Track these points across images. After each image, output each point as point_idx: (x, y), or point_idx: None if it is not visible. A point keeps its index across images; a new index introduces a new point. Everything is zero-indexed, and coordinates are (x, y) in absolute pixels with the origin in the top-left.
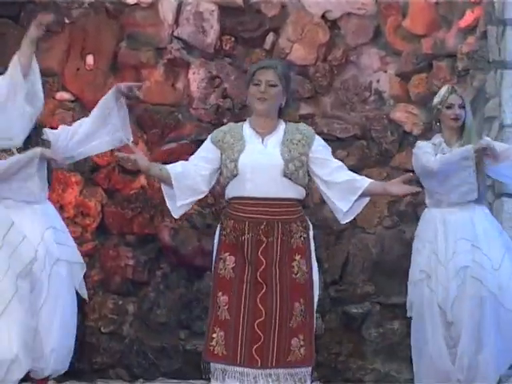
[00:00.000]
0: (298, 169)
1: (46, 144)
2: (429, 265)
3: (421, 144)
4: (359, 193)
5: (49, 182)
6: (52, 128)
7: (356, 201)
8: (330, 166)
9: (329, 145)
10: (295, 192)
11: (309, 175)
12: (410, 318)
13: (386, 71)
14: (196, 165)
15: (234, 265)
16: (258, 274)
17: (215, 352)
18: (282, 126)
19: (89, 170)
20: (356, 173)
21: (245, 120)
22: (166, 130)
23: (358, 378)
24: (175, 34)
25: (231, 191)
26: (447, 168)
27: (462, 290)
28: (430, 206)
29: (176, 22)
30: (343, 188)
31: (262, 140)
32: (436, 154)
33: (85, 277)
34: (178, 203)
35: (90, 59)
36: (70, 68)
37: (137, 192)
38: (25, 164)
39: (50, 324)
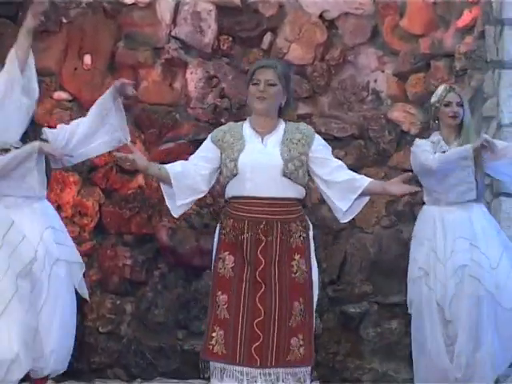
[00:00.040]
0: (297, 168)
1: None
2: (427, 262)
3: (419, 142)
4: (359, 192)
5: (48, 180)
6: (50, 127)
7: (356, 200)
8: (330, 166)
9: None
10: (295, 191)
11: (309, 175)
12: (409, 317)
13: (383, 71)
14: (196, 164)
15: (234, 264)
16: (257, 273)
17: (215, 351)
18: (282, 125)
19: (87, 169)
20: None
21: (244, 119)
22: (163, 129)
23: (355, 377)
24: (173, 33)
25: (231, 190)
26: (446, 167)
27: (460, 288)
28: (429, 204)
29: (174, 21)
30: (343, 187)
31: (262, 139)
32: (435, 152)
33: (83, 276)
34: (178, 202)
35: (87, 59)
36: (68, 68)
37: (134, 192)
38: (24, 159)
39: (49, 324)
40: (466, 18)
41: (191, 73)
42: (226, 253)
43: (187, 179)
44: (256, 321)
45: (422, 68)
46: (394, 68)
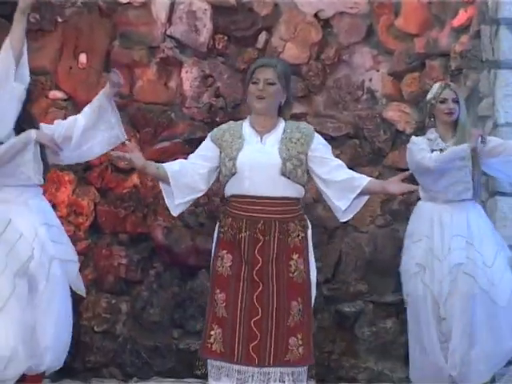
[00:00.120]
0: (296, 167)
1: None
2: (425, 258)
3: (416, 139)
4: (358, 191)
5: (45, 172)
6: None
7: (355, 199)
8: (329, 165)
9: None
10: (293, 191)
11: (308, 174)
12: (404, 316)
13: (378, 70)
14: (194, 163)
15: (231, 263)
16: (255, 272)
17: (213, 349)
18: (281, 124)
19: (82, 168)
20: None
21: (240, 118)
22: (158, 128)
23: (351, 376)
24: (168, 32)
25: (230, 189)
26: (443, 167)
27: (455, 286)
28: (425, 200)
29: (169, 20)
30: (342, 186)
31: (261, 138)
32: (432, 150)
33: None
34: (176, 201)
35: (82, 58)
36: (63, 67)
37: (130, 191)
38: (21, 148)
39: (45, 321)
40: (462, 17)
41: (186, 72)
42: (225, 251)
43: (185, 178)
44: (253, 320)
45: (417, 67)
46: (389, 67)
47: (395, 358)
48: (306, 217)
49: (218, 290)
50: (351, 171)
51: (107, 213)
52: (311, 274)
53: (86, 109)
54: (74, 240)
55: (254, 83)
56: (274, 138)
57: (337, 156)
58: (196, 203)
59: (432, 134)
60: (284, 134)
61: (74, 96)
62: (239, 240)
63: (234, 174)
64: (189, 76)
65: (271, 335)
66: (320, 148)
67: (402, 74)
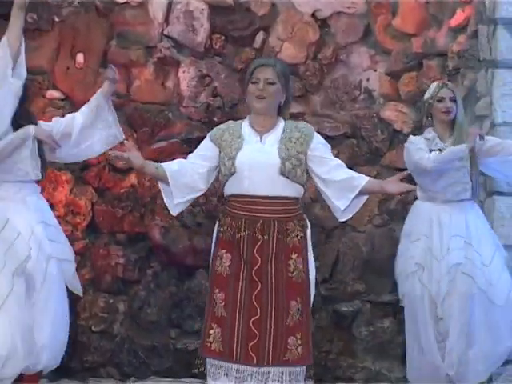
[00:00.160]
0: (295, 167)
1: None
2: (424, 258)
3: (413, 139)
4: (357, 191)
5: (43, 169)
6: None
7: (354, 199)
8: (329, 164)
9: None
10: (292, 190)
11: (307, 173)
12: (401, 316)
13: (375, 70)
14: (193, 163)
15: (230, 262)
16: (254, 271)
17: (212, 348)
18: (281, 123)
19: (79, 168)
20: None
21: (237, 118)
22: (156, 128)
23: (348, 376)
24: (165, 32)
25: (229, 189)
26: (441, 167)
27: (453, 285)
28: (423, 200)
29: (166, 20)
30: (341, 186)
31: (261, 138)
32: (431, 151)
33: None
34: (175, 201)
35: (80, 58)
36: (60, 66)
37: (127, 191)
38: (19, 144)
39: (42, 320)
40: (459, 17)
41: (184, 72)
42: (224, 251)
43: (185, 177)
44: (252, 319)
45: (415, 67)
46: (386, 67)
47: (392, 358)
48: (306, 216)
49: (216, 290)
50: (351, 171)
51: (105, 212)
52: (310, 273)
53: (84, 108)
54: (72, 240)
55: (254, 83)
56: (274, 137)
57: (334, 156)
58: (193, 203)
59: (430, 133)
60: (283, 134)
61: (71, 96)
62: (238, 239)
63: (233, 174)
64: (186, 76)
65: (270, 335)
66: (319, 147)
67: (400, 74)
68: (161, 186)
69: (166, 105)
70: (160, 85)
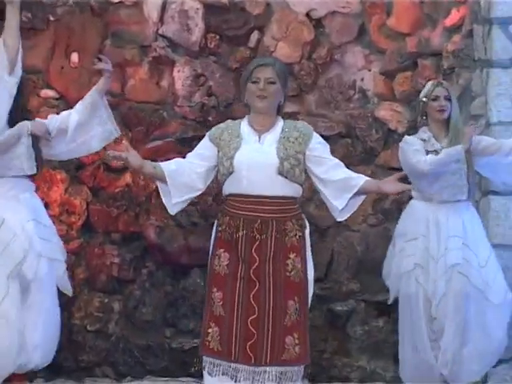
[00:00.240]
0: (293, 167)
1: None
2: (421, 257)
3: (409, 139)
4: (354, 191)
5: (38, 166)
6: None
7: (351, 199)
8: (327, 164)
9: None
10: (291, 190)
11: (306, 173)
12: (396, 315)
13: (370, 69)
14: (191, 162)
15: (228, 261)
16: (251, 271)
17: (211, 347)
18: (280, 123)
19: (74, 167)
20: None
21: (233, 117)
22: (150, 127)
23: (343, 375)
24: (160, 31)
25: (228, 188)
26: (438, 170)
27: (449, 285)
28: (418, 199)
29: (161, 19)
30: (339, 186)
31: (259, 138)
32: (427, 152)
33: (71, 275)
34: (174, 200)
35: (74, 57)
36: (55, 66)
37: (122, 190)
38: (16, 141)
39: (34, 320)
40: (454, 16)
41: (178, 71)
42: (222, 250)
43: (183, 177)
44: (250, 318)
45: (409, 67)
46: (380, 67)
47: (387, 357)
48: (304, 216)
49: (215, 289)
50: (349, 170)
51: (99, 212)
52: (308, 273)
53: (78, 105)
54: (67, 239)
55: (254, 82)
56: (273, 137)
57: None
58: (188, 202)
59: (425, 133)
60: (282, 133)
61: (65, 95)
62: (236, 239)
63: (231, 173)
64: (181, 75)
65: (268, 334)
66: (318, 147)
67: (394, 74)
68: (159, 185)
69: (161, 104)
70: (155, 84)
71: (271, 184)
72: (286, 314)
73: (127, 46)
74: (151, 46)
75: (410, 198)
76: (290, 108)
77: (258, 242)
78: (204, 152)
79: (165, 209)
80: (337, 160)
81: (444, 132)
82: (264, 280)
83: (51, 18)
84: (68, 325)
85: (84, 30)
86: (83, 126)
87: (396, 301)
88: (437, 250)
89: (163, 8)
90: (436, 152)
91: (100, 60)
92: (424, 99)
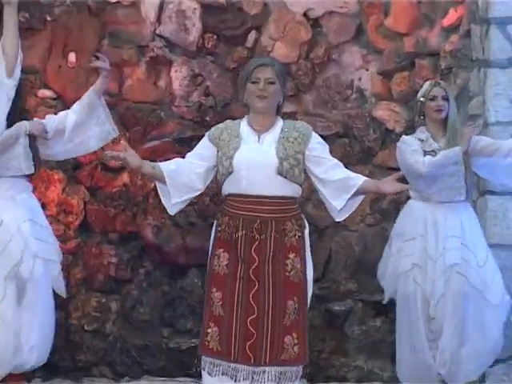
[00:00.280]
0: (293, 167)
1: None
2: (421, 257)
3: (406, 139)
4: (353, 191)
5: (37, 166)
6: None
7: (350, 199)
8: (326, 164)
9: None
10: (290, 190)
11: (305, 173)
12: (393, 315)
13: (367, 69)
14: (191, 162)
15: (228, 261)
16: (251, 271)
17: (210, 347)
18: (279, 123)
19: (71, 167)
20: None
21: (231, 117)
22: (148, 127)
23: (341, 375)
24: (157, 31)
25: (227, 188)
26: (435, 172)
27: (447, 285)
28: (416, 199)
29: (158, 19)
30: (338, 186)
31: (259, 138)
32: (424, 152)
33: (68, 275)
34: (173, 200)
35: (72, 57)
36: (52, 65)
37: (119, 190)
38: (14, 141)
39: (30, 321)
40: (452, 16)
41: (176, 71)
42: (221, 250)
43: (182, 177)
44: (249, 318)
45: (407, 66)
46: (378, 66)
47: (385, 357)
48: (304, 216)
49: (214, 289)
50: (347, 171)
51: (97, 211)
52: (308, 273)
53: (76, 105)
54: (64, 239)
55: (254, 83)
56: (272, 137)
57: None
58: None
59: (423, 133)
60: (281, 134)
61: (63, 95)
62: (236, 239)
63: (231, 173)
64: (178, 75)
65: (267, 334)
66: (317, 147)
67: (392, 73)
68: (158, 185)
69: (158, 104)
70: (152, 84)
71: (270, 184)
72: (286, 314)
73: (125, 45)
74: (149, 46)
75: (408, 197)
76: (287, 108)
77: (257, 242)
78: (203, 152)
79: (162, 209)
80: (336, 160)
81: (442, 132)
82: (263, 280)
83: (48, 18)
84: (65, 325)
85: (81, 30)
86: (80, 127)
87: (393, 300)
88: (435, 250)
89: (160, 8)
90: (434, 152)
91: (97, 58)
92: (422, 99)
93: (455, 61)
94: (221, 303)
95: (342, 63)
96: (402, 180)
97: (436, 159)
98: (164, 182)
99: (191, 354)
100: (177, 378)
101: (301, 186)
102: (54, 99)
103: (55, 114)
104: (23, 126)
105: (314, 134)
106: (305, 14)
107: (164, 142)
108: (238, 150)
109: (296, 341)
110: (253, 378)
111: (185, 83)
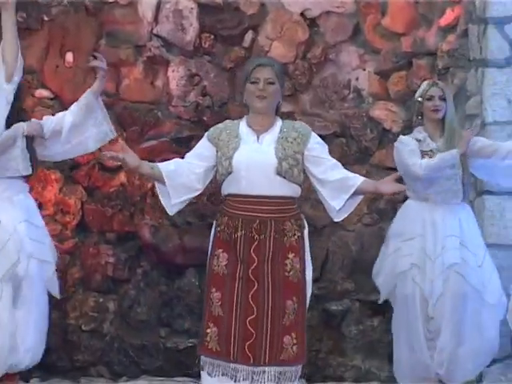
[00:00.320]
0: (292, 167)
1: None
2: (420, 257)
3: (404, 139)
4: (351, 191)
5: (33, 167)
6: None
7: (348, 199)
8: (325, 164)
9: None
10: (289, 190)
11: (304, 173)
12: (391, 315)
13: (364, 69)
14: (190, 162)
15: (227, 262)
16: (250, 271)
17: (209, 347)
18: (278, 123)
19: (68, 167)
20: None
21: (228, 117)
22: (145, 127)
23: (338, 375)
24: (154, 31)
25: (227, 188)
26: (432, 175)
27: (446, 285)
28: (414, 199)
29: (155, 19)
30: (336, 186)
31: (258, 138)
32: (422, 152)
33: (65, 274)
34: (173, 201)
35: (69, 57)
36: (50, 65)
37: (117, 189)
38: (12, 142)
39: (25, 321)
40: (449, 16)
41: (173, 71)
42: (220, 250)
43: (181, 177)
44: (249, 318)
45: (404, 66)
46: (375, 66)
47: (382, 357)
48: (303, 216)
49: (213, 289)
50: (346, 171)
51: (94, 211)
52: (307, 273)
53: (73, 107)
54: (61, 239)
55: (254, 83)
56: (271, 137)
57: None
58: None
59: (420, 133)
60: (281, 134)
61: (60, 95)
62: (235, 239)
63: (230, 173)
64: (175, 75)
65: (266, 334)
66: (316, 148)
67: (389, 73)
68: (157, 186)
69: (156, 104)
70: (149, 84)
71: (270, 184)
72: (285, 314)
73: (122, 45)
74: (146, 46)
75: (406, 197)
76: (284, 108)
77: (256, 242)
78: (203, 152)
79: (160, 208)
80: (335, 160)
81: (439, 132)
82: (263, 280)
83: (46, 18)
84: (63, 325)
85: (79, 30)
86: (78, 128)
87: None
88: (433, 250)
89: (158, 8)
90: (431, 152)
91: (95, 58)
92: (419, 99)
93: (452, 60)
94: (220, 303)
95: (339, 63)
96: (400, 180)
97: (433, 162)
98: (163, 183)
99: (189, 353)
100: (175, 378)
101: (300, 186)
102: (52, 99)
103: (52, 114)
104: (21, 127)
105: (313, 134)
106: (302, 14)
107: (161, 141)
108: (238, 150)
109: (295, 341)
110: (252, 378)
111: (182, 83)
